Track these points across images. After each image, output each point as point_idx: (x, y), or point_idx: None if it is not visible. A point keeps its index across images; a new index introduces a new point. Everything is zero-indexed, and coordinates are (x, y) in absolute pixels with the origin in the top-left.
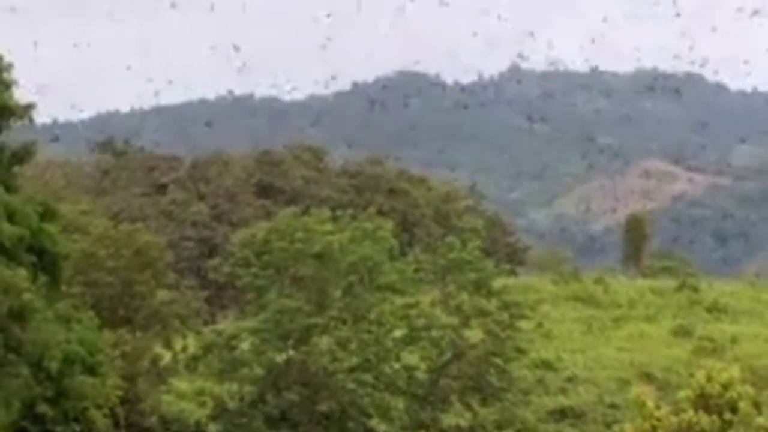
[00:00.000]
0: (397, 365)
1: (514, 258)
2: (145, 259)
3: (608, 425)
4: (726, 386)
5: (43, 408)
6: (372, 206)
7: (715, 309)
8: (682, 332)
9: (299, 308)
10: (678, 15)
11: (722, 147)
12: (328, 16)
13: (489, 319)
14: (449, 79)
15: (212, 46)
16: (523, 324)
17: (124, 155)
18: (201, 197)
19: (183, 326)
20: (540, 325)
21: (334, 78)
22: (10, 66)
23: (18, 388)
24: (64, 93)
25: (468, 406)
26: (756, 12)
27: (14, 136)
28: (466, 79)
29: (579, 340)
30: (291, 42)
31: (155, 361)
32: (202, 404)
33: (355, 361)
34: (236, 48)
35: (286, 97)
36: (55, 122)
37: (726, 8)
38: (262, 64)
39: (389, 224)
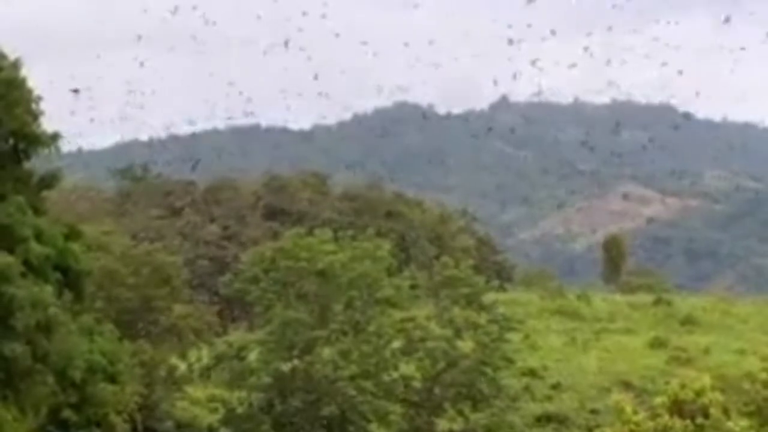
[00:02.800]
0: (394, 374)
1: (502, 275)
2: (162, 276)
3: (590, 430)
4: (698, 393)
5: (67, 413)
6: (371, 227)
7: (687, 322)
8: (657, 343)
9: (304, 321)
10: (652, 51)
11: (693, 172)
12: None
13: (479, 331)
14: (442, 110)
15: (225, 81)
16: (511, 336)
17: (142, 181)
18: (213, 219)
19: (197, 338)
20: (527, 336)
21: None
22: (38, 98)
23: (45, 395)
24: (87, 124)
25: (460, 412)
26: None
27: (42, 163)
28: (457, 110)
29: (563, 350)
30: (297, 75)
31: (171, 370)
32: (214, 410)
33: (355, 370)
34: (246, 81)
35: (292, 127)
36: (79, 150)
37: (696, 46)
38: (270, 96)
39: (387, 244)
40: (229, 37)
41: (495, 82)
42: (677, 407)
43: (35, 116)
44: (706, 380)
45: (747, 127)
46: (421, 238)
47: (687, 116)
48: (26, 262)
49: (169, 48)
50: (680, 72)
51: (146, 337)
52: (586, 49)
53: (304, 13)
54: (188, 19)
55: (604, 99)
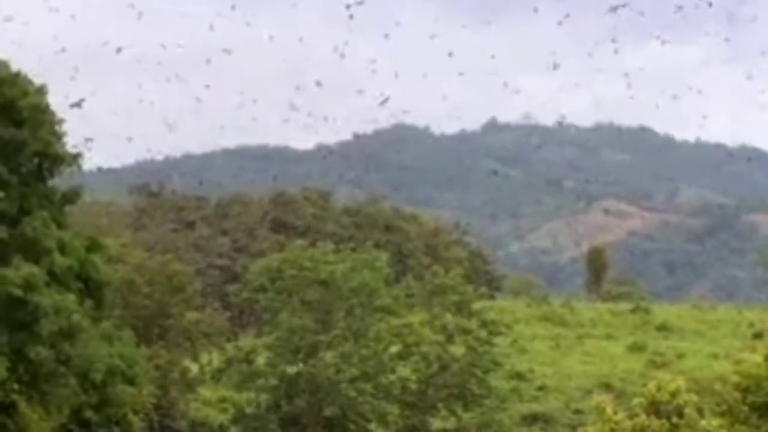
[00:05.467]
0: (392, 377)
1: (492, 284)
2: (176, 286)
3: (573, 428)
4: (674, 395)
5: (88, 413)
6: (370, 240)
7: (664, 328)
8: (636, 348)
9: (308, 327)
10: (630, 75)
11: (671, 189)
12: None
13: (470, 336)
14: (437, 131)
15: (237, 104)
16: (500, 340)
17: (158, 197)
18: (224, 232)
19: (208, 343)
20: (515, 341)
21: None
22: (61, 121)
23: (67, 396)
24: (107, 144)
25: (452, 412)
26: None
27: (65, 180)
28: (451, 131)
29: (548, 354)
30: (302, 97)
31: (184, 372)
32: (225, 410)
33: (356, 373)
34: (254, 103)
35: (297, 146)
36: (99, 169)
37: (675, 71)
38: (276, 118)
39: (384, 255)
40: (239, 63)
41: (486, 105)
42: (654, 407)
43: (59, 137)
44: (681, 382)
45: (718, 148)
46: (417, 250)
47: (664, 137)
48: (50, 273)
49: (183, 72)
50: (659, 95)
51: (161, 342)
52: (571, 74)
53: (308, 38)
54: (202, 46)
55: (588, 122)
